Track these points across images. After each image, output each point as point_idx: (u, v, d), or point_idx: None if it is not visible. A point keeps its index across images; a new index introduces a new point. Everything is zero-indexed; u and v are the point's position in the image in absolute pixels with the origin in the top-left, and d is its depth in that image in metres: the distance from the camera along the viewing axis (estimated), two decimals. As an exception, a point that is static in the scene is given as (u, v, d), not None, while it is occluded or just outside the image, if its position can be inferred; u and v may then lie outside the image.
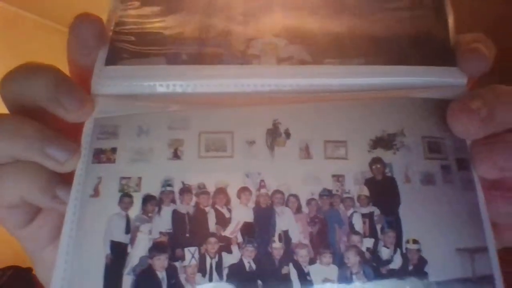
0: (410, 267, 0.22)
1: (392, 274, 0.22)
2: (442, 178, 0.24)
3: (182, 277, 0.22)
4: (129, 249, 0.23)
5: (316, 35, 0.26)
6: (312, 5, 0.27)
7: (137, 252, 0.23)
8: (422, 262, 0.22)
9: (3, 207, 0.25)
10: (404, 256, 0.22)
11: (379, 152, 0.24)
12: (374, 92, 0.25)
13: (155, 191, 0.24)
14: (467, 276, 0.22)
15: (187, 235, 0.23)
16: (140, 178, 0.24)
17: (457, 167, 0.24)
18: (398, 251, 0.23)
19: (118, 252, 0.23)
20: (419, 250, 0.22)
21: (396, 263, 0.22)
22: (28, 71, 0.24)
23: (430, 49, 0.26)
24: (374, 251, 0.23)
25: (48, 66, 0.24)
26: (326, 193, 0.24)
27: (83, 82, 0.25)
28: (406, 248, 0.23)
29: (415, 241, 0.23)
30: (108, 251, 0.23)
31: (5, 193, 0.24)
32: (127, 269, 0.22)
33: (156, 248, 0.23)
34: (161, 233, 0.23)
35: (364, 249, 0.23)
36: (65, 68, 0.26)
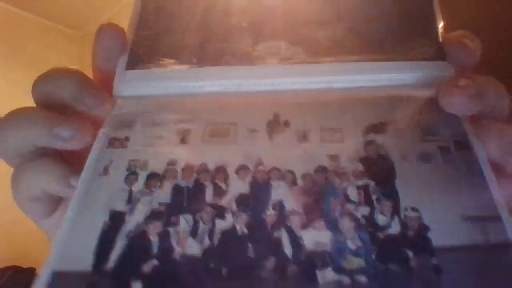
0: (411, 233, 0.21)
1: (391, 239, 0.21)
2: (441, 158, 0.24)
3: (173, 241, 0.22)
4: (126, 218, 0.23)
5: (315, 37, 0.30)
6: (310, 11, 0.31)
7: (134, 220, 0.23)
8: (423, 228, 0.21)
9: (28, 199, 0.27)
10: (403, 223, 0.21)
11: (373, 137, 0.25)
12: (368, 90, 0.27)
13: (160, 169, 0.25)
14: (478, 243, 0.20)
15: (184, 204, 0.24)
16: (147, 160, 0.26)
17: (455, 148, 0.24)
18: (396, 218, 0.21)
19: (116, 219, 0.23)
20: (419, 218, 0.21)
21: (394, 228, 0.21)
22: (57, 74, 0.28)
23: (421, 46, 0.28)
24: (370, 218, 0.22)
25: (75, 71, 0.28)
26: (321, 169, 0.24)
27: (106, 85, 0.29)
28: (405, 215, 0.21)
29: (414, 209, 0.22)
30: (106, 218, 0.23)
31: (27, 186, 0.27)
32: (121, 234, 0.23)
33: (153, 216, 0.23)
34: (160, 204, 0.24)
35: (359, 216, 0.22)
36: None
